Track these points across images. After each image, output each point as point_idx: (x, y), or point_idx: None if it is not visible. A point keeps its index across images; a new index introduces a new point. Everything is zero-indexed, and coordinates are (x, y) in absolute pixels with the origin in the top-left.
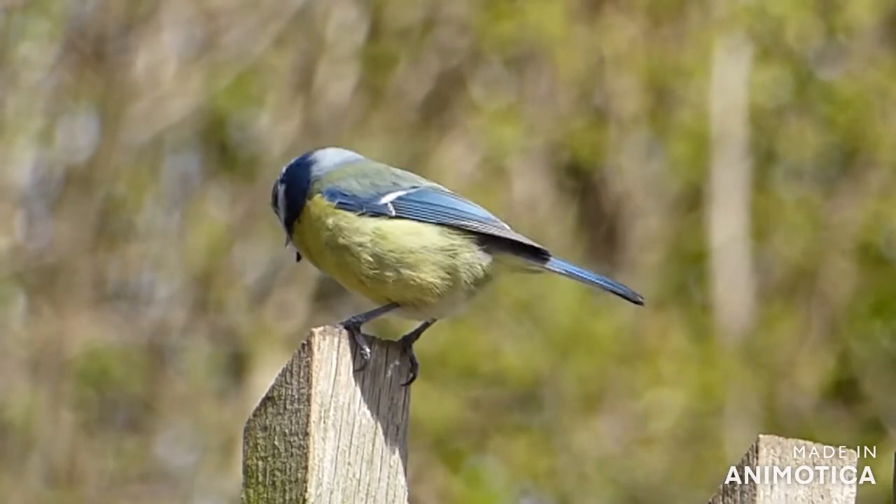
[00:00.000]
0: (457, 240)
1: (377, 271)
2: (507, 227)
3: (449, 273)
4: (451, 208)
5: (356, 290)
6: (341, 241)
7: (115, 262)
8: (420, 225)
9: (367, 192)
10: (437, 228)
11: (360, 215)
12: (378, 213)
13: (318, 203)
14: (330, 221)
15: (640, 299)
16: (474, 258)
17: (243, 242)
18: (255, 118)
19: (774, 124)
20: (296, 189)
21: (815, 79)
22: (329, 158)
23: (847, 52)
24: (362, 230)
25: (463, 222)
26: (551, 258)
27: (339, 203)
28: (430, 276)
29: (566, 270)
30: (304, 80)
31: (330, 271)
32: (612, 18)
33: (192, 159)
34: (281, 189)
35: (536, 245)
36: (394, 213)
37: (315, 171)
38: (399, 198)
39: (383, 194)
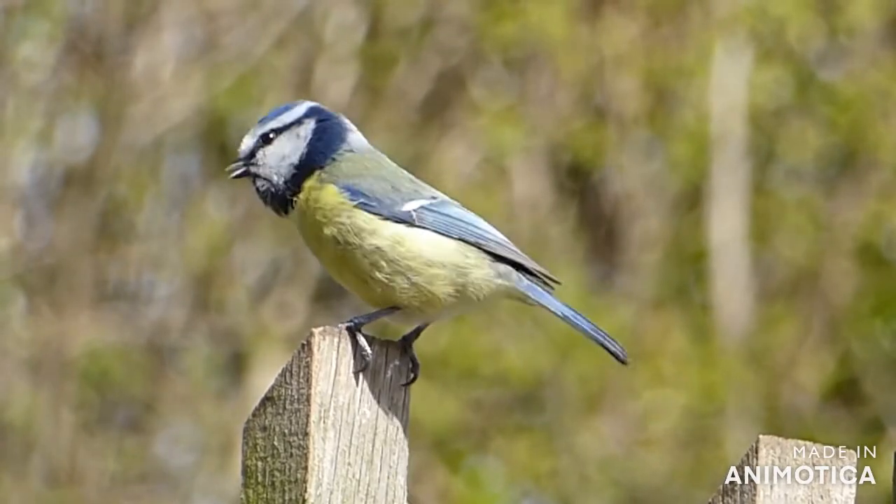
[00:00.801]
0: (472, 259)
1: (388, 276)
2: (521, 253)
3: (458, 290)
4: (473, 226)
5: (349, 287)
6: (355, 239)
7: (115, 263)
8: (440, 238)
9: (388, 196)
10: (456, 244)
11: (382, 219)
12: (400, 220)
13: (331, 194)
14: (345, 218)
15: (625, 359)
16: (483, 279)
17: (243, 242)
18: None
19: (775, 125)
20: (316, 154)
21: (816, 80)
22: (358, 141)
23: (848, 53)
24: (381, 234)
25: (482, 242)
26: (552, 295)
27: (361, 203)
28: (439, 289)
29: (563, 314)
30: (304, 80)
31: (324, 261)
32: (613, 19)
33: (193, 160)
34: (302, 136)
35: (549, 275)
36: (416, 223)
37: (343, 147)
38: (423, 207)
39: (406, 201)
